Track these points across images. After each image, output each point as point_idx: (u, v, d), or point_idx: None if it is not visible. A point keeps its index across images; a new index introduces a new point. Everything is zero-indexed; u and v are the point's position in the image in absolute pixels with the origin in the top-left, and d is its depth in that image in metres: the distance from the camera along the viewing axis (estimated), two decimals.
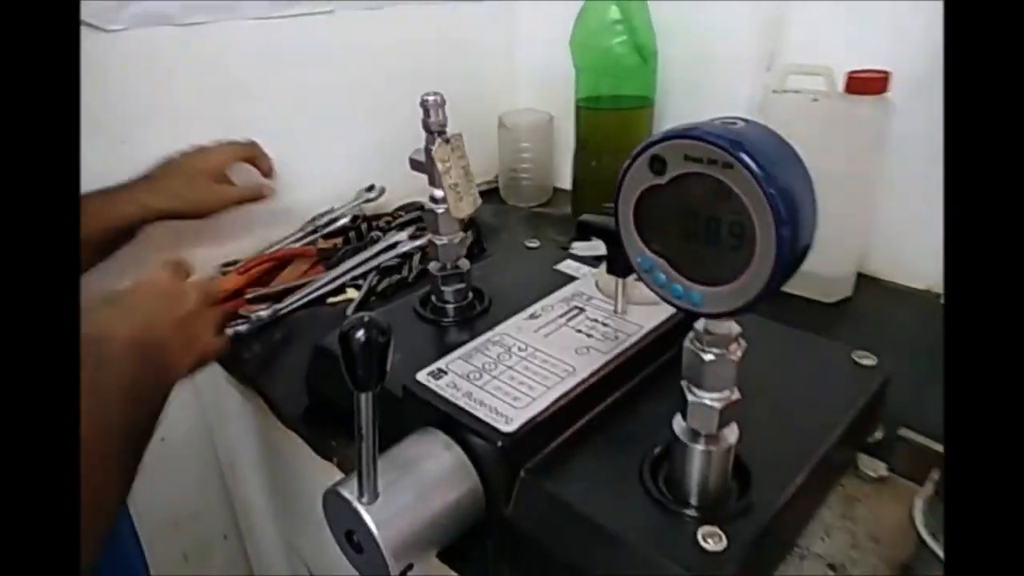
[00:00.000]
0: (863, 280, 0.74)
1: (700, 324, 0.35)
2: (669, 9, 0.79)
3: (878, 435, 0.50)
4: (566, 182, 1.01)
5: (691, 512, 0.38)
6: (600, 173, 0.85)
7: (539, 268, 0.65)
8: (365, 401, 0.36)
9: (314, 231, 0.83)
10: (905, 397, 0.50)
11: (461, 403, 0.43)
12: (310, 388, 0.58)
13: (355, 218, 0.84)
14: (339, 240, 0.81)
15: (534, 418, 0.42)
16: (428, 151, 0.54)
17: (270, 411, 0.61)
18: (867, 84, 0.63)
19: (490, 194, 1.03)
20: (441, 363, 0.48)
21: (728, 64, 0.80)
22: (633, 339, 0.49)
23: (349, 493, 0.38)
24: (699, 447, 0.37)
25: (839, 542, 0.43)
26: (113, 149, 0.66)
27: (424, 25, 0.91)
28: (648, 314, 0.52)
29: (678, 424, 0.38)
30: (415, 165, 0.57)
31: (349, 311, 0.70)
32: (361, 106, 0.88)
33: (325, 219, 0.84)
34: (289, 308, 0.70)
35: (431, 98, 0.53)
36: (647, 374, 0.49)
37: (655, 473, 0.41)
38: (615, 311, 0.53)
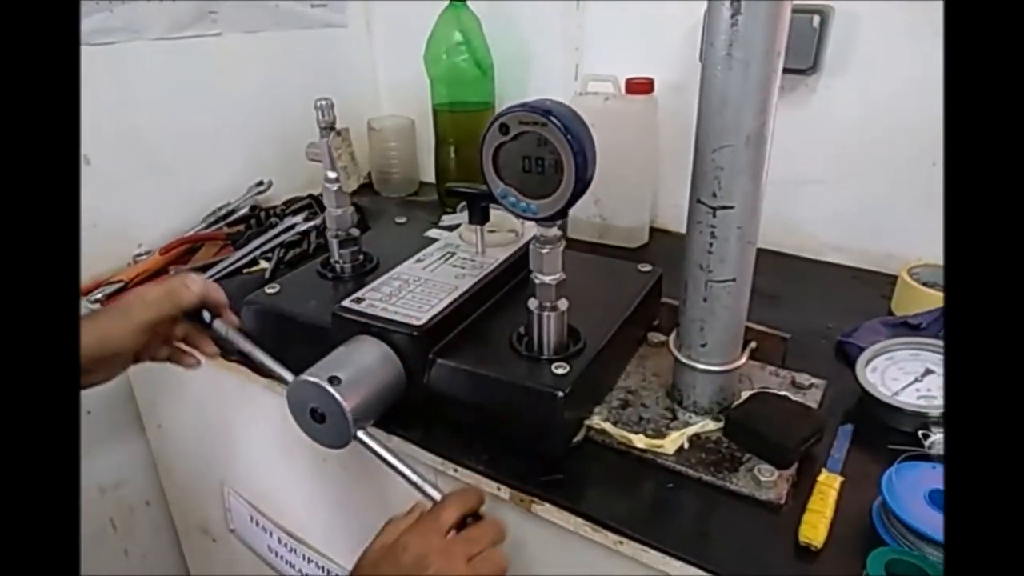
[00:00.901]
0: (656, 232, 1.01)
1: (537, 232, 0.55)
2: (501, 35, 1.01)
3: (657, 321, 0.74)
4: (429, 175, 1.21)
5: (546, 358, 0.58)
6: (458, 162, 1.05)
7: (412, 236, 0.84)
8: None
9: (216, 221, 0.96)
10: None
11: (381, 314, 0.61)
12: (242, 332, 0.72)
13: (253, 207, 0.98)
14: (241, 227, 0.94)
15: (436, 315, 0.60)
16: (322, 143, 0.71)
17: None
18: (640, 87, 0.89)
19: (365, 188, 1.20)
20: (357, 295, 0.65)
21: (546, 75, 1.04)
22: (493, 266, 0.70)
23: (316, 378, 0.54)
24: (546, 313, 0.58)
25: (634, 379, 0.66)
26: None
27: (299, 46, 1.07)
28: (500, 252, 0.73)
29: (532, 302, 0.59)
30: (311, 156, 0.73)
31: (267, 276, 0.84)
32: (247, 113, 1.01)
33: (224, 211, 0.97)
34: (211, 278, 0.83)
35: (323, 102, 0.70)
36: (506, 289, 0.70)
37: (519, 343, 0.61)
38: (477, 252, 0.73)
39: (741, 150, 0.49)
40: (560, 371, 0.56)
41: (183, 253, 0.90)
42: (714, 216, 0.52)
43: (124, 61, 0.84)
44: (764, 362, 0.64)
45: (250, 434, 0.83)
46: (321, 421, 0.55)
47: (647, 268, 0.74)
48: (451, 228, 0.85)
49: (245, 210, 0.98)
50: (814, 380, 0.64)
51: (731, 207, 0.51)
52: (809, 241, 0.93)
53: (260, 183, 1.02)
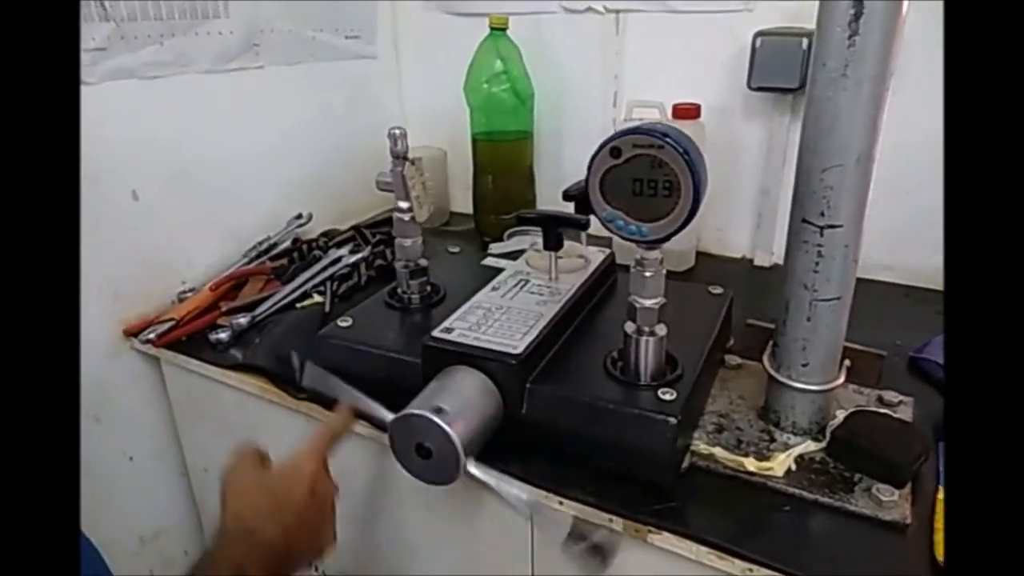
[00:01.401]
0: (700, 256, 1.01)
1: (638, 255, 0.55)
2: (540, 64, 1.02)
3: (731, 342, 0.74)
4: (460, 206, 1.21)
5: (645, 384, 0.58)
6: (495, 191, 1.05)
7: (469, 266, 0.84)
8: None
9: (257, 256, 0.94)
10: (739, 312, 0.75)
11: (475, 343, 0.60)
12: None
13: (294, 240, 0.96)
14: (283, 261, 0.92)
15: (531, 343, 0.59)
16: (395, 172, 0.70)
17: (264, 395, 0.72)
18: (687, 112, 0.90)
19: None
20: (445, 324, 0.63)
21: (586, 103, 1.05)
22: (572, 292, 0.69)
23: (423, 411, 0.52)
24: (644, 338, 0.57)
25: (721, 403, 0.65)
26: (87, 188, 0.74)
27: (332, 78, 1.06)
28: (573, 278, 0.72)
29: (629, 326, 0.58)
30: (382, 186, 0.72)
31: (327, 309, 0.82)
32: (283, 146, 1.00)
33: (265, 245, 0.95)
34: (265, 314, 0.81)
35: (397, 131, 0.70)
36: (585, 313, 0.69)
37: (615, 367, 0.60)
38: (551, 278, 0.72)
39: (851, 169, 0.50)
40: (668, 397, 0.55)
41: (230, 289, 0.88)
42: (821, 235, 0.52)
43: (173, 94, 0.83)
44: (859, 381, 0.63)
45: None
46: (427, 457, 0.54)
47: (718, 290, 0.74)
48: (506, 255, 0.85)
49: (287, 243, 0.97)
50: (902, 397, 0.64)
51: (839, 226, 0.52)
52: None
53: (299, 216, 1.01)
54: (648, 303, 0.56)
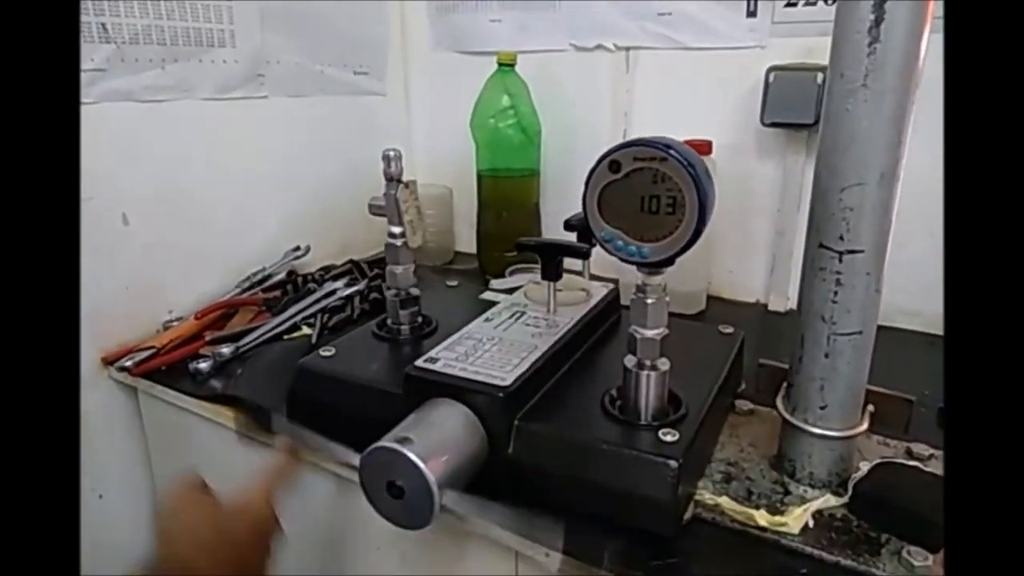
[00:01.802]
0: (712, 300, 0.96)
1: (640, 281, 0.51)
2: (548, 100, 1.00)
3: (743, 387, 0.68)
4: (464, 246, 1.17)
5: (645, 423, 0.52)
6: (500, 228, 1.01)
7: (466, 299, 0.79)
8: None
9: (251, 286, 0.90)
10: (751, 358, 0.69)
11: (461, 374, 0.55)
12: (291, 403, 0.65)
13: (290, 273, 0.93)
14: (277, 292, 0.89)
15: (521, 376, 0.54)
16: (388, 195, 0.67)
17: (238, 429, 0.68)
18: (697, 148, 0.85)
19: None
20: (430, 354, 0.59)
21: (594, 140, 1.02)
22: (570, 325, 0.64)
23: (397, 445, 0.47)
24: (646, 372, 0.52)
25: (731, 450, 0.59)
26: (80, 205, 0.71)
27: (338, 113, 1.05)
28: (573, 311, 0.67)
29: (629, 360, 0.53)
30: (374, 210, 0.69)
31: (313, 340, 0.78)
32: (285, 178, 0.98)
33: (259, 276, 0.92)
34: (250, 345, 0.77)
35: (391, 152, 0.67)
36: (584, 349, 0.64)
37: (612, 406, 0.55)
38: (548, 311, 0.68)
39: (873, 188, 0.46)
40: (669, 438, 0.50)
41: (218, 319, 0.84)
42: (840, 261, 0.48)
43: (172, 120, 0.81)
44: (885, 429, 0.57)
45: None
46: (399, 496, 0.48)
47: (729, 330, 0.69)
48: (506, 291, 0.81)
49: (281, 275, 0.93)
50: (933, 451, 0.58)
51: (860, 251, 0.47)
52: None
53: (297, 248, 0.98)
54: (649, 334, 0.51)
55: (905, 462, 0.54)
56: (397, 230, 0.67)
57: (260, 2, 0.90)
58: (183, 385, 0.74)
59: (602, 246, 0.50)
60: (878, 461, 0.54)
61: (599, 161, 0.47)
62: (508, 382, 0.53)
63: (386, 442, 0.48)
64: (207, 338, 0.78)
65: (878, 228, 0.47)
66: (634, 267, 0.50)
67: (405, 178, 0.67)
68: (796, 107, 0.80)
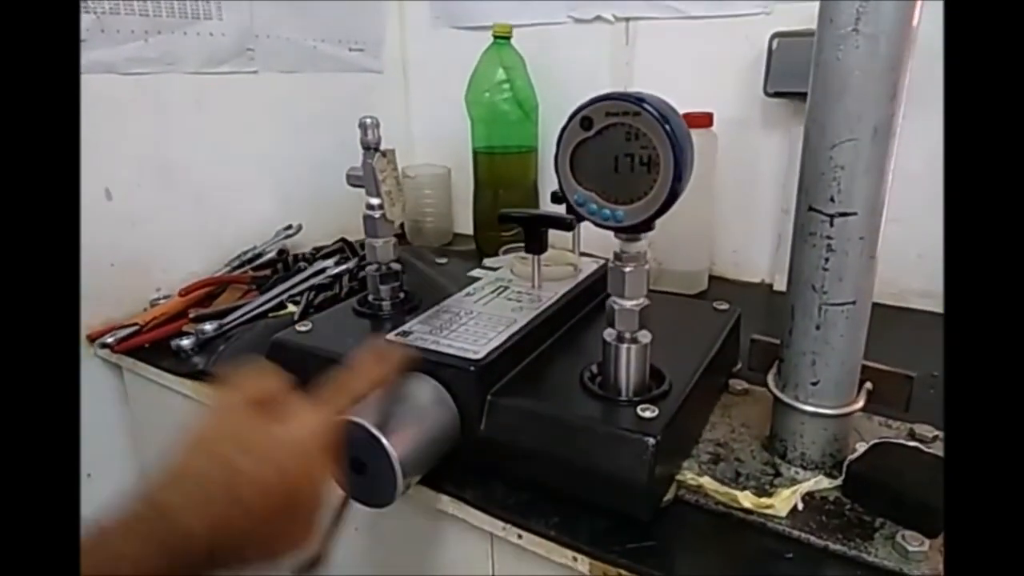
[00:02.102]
0: (714, 280, 0.93)
1: (617, 248, 0.48)
2: (546, 74, 0.97)
3: (738, 366, 0.65)
4: (463, 227, 1.15)
5: (625, 399, 0.49)
6: (496, 207, 0.98)
7: (455, 275, 0.77)
8: None
9: (240, 265, 0.89)
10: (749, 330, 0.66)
11: (433, 347, 0.52)
12: None
13: (281, 251, 0.92)
14: (268, 271, 0.87)
15: (495, 349, 0.52)
16: (366, 164, 0.65)
17: None
18: (698, 120, 0.83)
19: (397, 237, 1.14)
20: (403, 328, 0.57)
21: None
22: (553, 300, 0.62)
23: (360, 419, 0.45)
24: (625, 345, 0.49)
25: (722, 431, 0.56)
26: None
27: (334, 90, 1.03)
28: (558, 286, 0.65)
29: (608, 333, 0.50)
30: (352, 180, 0.67)
31: (296, 318, 0.76)
32: (279, 155, 0.97)
33: (250, 254, 0.90)
34: (234, 323, 0.75)
35: (368, 120, 0.64)
36: (567, 328, 0.62)
37: (592, 382, 0.52)
38: (533, 286, 0.65)
39: (867, 144, 0.42)
40: (648, 414, 0.47)
41: (205, 297, 0.83)
42: (831, 225, 0.44)
43: (156, 93, 0.80)
44: (883, 405, 0.54)
45: None
46: (361, 472, 0.46)
47: (724, 306, 0.66)
48: (497, 269, 0.78)
49: (272, 254, 0.92)
50: (938, 432, 0.54)
51: (853, 213, 0.44)
52: (888, 287, 0.84)
53: (289, 227, 0.96)
54: (628, 304, 0.48)
55: (905, 442, 0.50)
56: (375, 201, 0.65)
57: None
58: (166, 363, 0.73)
59: (576, 210, 0.47)
60: (875, 441, 0.50)
61: (570, 118, 0.45)
62: (481, 355, 0.51)
63: (352, 416, 0.45)
64: (191, 316, 0.77)
65: (872, 189, 0.43)
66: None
67: (402, 162, 0.64)
68: (801, 75, 0.75)
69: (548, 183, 1.02)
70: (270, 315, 0.79)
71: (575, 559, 0.45)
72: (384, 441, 0.44)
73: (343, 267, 0.85)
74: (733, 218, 0.91)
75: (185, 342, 0.73)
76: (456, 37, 1.10)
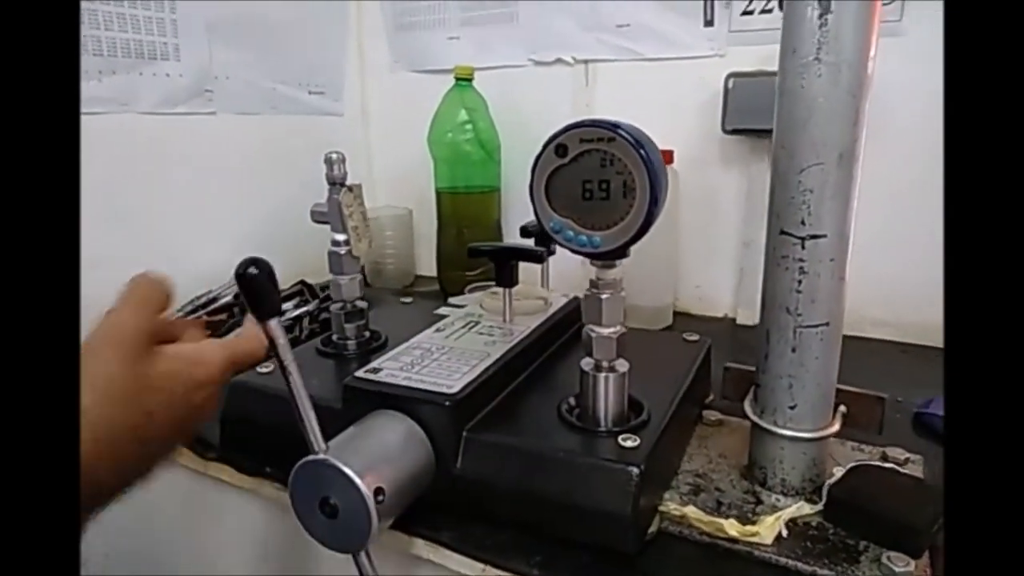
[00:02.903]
0: (678, 315, 0.94)
1: (593, 275, 0.47)
2: (508, 116, 0.99)
3: (711, 398, 0.65)
4: (425, 269, 1.14)
5: (604, 430, 0.48)
6: (460, 246, 0.98)
7: (420, 315, 0.75)
8: (277, 327, 0.40)
9: (195, 310, 0.85)
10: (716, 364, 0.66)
11: (405, 383, 0.51)
12: (225, 423, 0.60)
13: (237, 295, 0.88)
14: (224, 315, 0.84)
15: (471, 383, 0.50)
16: (331, 199, 0.63)
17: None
18: None
19: None
20: (372, 364, 0.55)
21: None
22: (526, 333, 0.61)
23: (337, 460, 0.42)
24: (603, 374, 0.49)
25: (699, 461, 0.55)
26: None
27: (293, 133, 1.02)
28: (530, 320, 0.64)
29: (586, 363, 0.49)
30: (316, 217, 0.65)
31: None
32: (236, 199, 0.95)
33: (204, 299, 0.87)
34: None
35: (334, 155, 0.64)
36: (541, 360, 0.61)
37: (570, 414, 0.51)
38: (504, 319, 0.64)
39: (833, 168, 0.43)
40: (629, 443, 0.46)
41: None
42: (803, 247, 0.45)
43: (110, 133, 0.78)
44: (857, 429, 0.54)
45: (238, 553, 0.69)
46: (333, 516, 0.43)
47: (694, 337, 0.66)
48: (464, 307, 0.77)
49: (228, 298, 0.89)
50: (909, 455, 0.55)
51: (822, 236, 0.44)
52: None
53: None
54: (606, 332, 0.48)
55: (882, 464, 0.51)
56: (341, 237, 0.63)
57: (206, 16, 0.87)
58: None
59: (552, 237, 0.46)
60: (853, 464, 0.50)
61: (545, 146, 0.45)
62: (455, 390, 0.49)
63: (327, 456, 0.43)
64: None
65: (840, 212, 0.44)
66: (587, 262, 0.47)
67: (366, 202, 0.63)
68: (757, 112, 0.79)
69: (511, 222, 1.02)
70: None
71: None
72: (357, 481, 0.42)
73: (303, 309, 0.83)
74: (695, 253, 0.93)
75: None
76: (415, 80, 1.11)
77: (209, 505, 0.66)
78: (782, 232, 0.46)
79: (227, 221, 0.94)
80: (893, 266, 0.81)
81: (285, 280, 0.97)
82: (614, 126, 0.42)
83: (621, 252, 0.45)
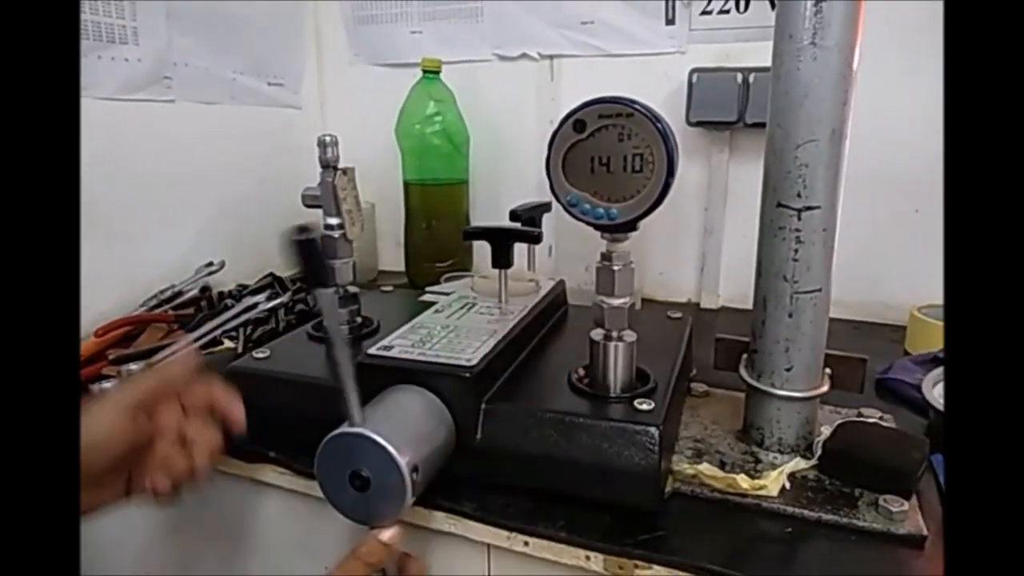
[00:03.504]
0: (644, 302, 0.97)
1: (604, 248, 0.50)
2: (473, 108, 1.00)
3: (694, 371, 0.68)
4: (388, 264, 1.14)
5: (615, 396, 0.51)
6: (429, 238, 0.99)
7: (405, 302, 0.76)
8: (326, 296, 0.40)
9: (158, 304, 0.82)
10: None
11: (421, 358, 0.51)
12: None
13: (204, 289, 0.86)
14: (191, 309, 0.81)
15: (487, 355, 0.51)
16: (325, 183, 0.63)
17: None
18: None
19: None
20: (383, 342, 0.55)
21: (520, 148, 1.02)
22: (524, 312, 0.62)
23: (356, 428, 0.43)
24: (613, 343, 0.51)
25: (695, 429, 0.58)
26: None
27: (253, 124, 1.00)
28: (524, 300, 0.65)
29: (596, 333, 0.51)
30: (308, 201, 0.65)
31: (239, 351, 0.71)
32: (196, 189, 0.91)
33: (168, 293, 0.84)
34: (164, 362, 0.69)
35: (328, 138, 0.63)
36: (539, 337, 0.62)
37: (580, 382, 0.53)
38: (500, 301, 0.65)
39: (825, 144, 0.47)
40: (645, 407, 0.48)
41: (121, 337, 0.75)
42: (799, 219, 0.49)
43: None
44: (843, 389, 0.58)
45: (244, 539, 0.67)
46: (363, 488, 0.43)
47: (677, 315, 0.69)
48: (446, 293, 0.77)
49: (194, 292, 0.86)
50: (882, 414, 0.60)
51: (817, 207, 0.48)
52: None
53: (210, 263, 0.90)
54: (617, 303, 0.50)
55: (866, 420, 0.55)
56: (335, 221, 0.63)
57: (166, 0, 0.84)
58: None
59: (567, 211, 0.48)
60: (840, 421, 0.54)
61: (563, 122, 0.46)
62: (474, 362, 0.50)
63: (348, 428, 0.43)
64: (111, 357, 0.70)
65: (831, 184, 0.48)
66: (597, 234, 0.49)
67: None
68: (719, 105, 0.83)
69: (479, 215, 1.03)
70: (205, 352, 0.73)
71: (588, 558, 0.45)
72: (392, 451, 0.42)
73: (277, 301, 0.81)
74: (659, 242, 0.97)
75: (108, 385, 0.66)
76: (377, 74, 1.10)
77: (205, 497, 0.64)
78: (779, 205, 0.49)
79: (187, 214, 0.91)
80: (844, 253, 0.87)
81: (247, 275, 0.95)
82: (632, 102, 0.45)
83: (634, 224, 0.47)
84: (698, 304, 0.97)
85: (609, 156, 0.46)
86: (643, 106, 0.45)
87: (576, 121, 0.46)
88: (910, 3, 0.78)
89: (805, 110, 0.47)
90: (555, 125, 0.97)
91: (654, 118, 0.44)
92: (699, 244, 0.95)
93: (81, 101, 0.74)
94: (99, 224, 0.79)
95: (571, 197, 0.47)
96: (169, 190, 0.88)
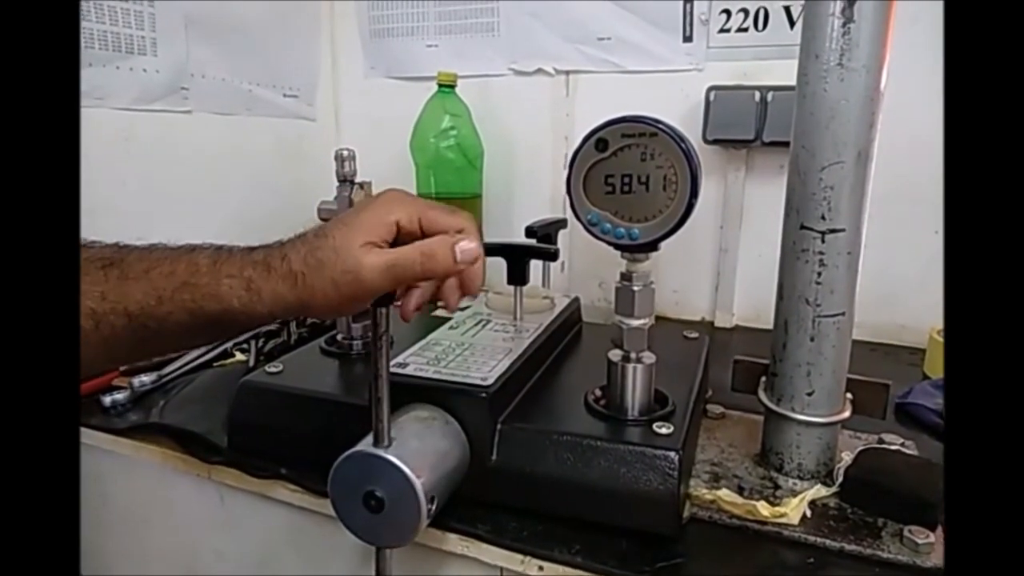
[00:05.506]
0: (658, 320, 0.96)
1: (624, 268, 0.49)
2: (489, 123, 1.00)
3: (710, 392, 0.67)
4: None
5: (633, 419, 0.50)
6: None
7: (420, 315, 0.74)
8: (383, 316, 0.41)
9: None
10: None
11: (436, 376, 0.50)
12: (233, 426, 0.58)
13: None
14: None
15: (503, 375, 0.51)
16: (342, 196, 0.63)
17: (167, 463, 0.59)
18: None
19: None
20: (398, 359, 0.54)
21: (536, 163, 1.02)
22: (540, 330, 0.61)
23: (371, 448, 0.42)
24: (632, 365, 0.50)
25: (712, 452, 0.57)
26: None
27: (267, 135, 1.00)
28: (539, 318, 0.65)
29: (614, 354, 0.51)
30: (324, 214, 0.64)
31: (251, 364, 0.70)
32: (209, 198, 0.91)
33: None
34: (175, 373, 0.68)
35: (345, 152, 0.63)
36: (554, 356, 0.62)
37: (597, 404, 0.52)
38: (515, 318, 0.64)
39: (851, 167, 0.46)
40: (664, 431, 0.47)
41: None
42: (823, 241, 0.48)
43: (83, 128, 0.73)
44: (862, 414, 0.57)
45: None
46: (377, 510, 0.42)
47: (694, 335, 0.68)
48: (459, 308, 0.77)
49: None
50: (903, 439, 0.59)
51: (841, 230, 0.47)
52: None
53: None
54: (636, 323, 0.49)
55: (888, 447, 0.54)
56: None
57: (185, 11, 0.84)
58: (95, 420, 0.65)
59: (588, 230, 0.48)
60: (862, 447, 0.53)
61: (584, 140, 0.46)
62: (490, 382, 0.49)
63: (363, 447, 0.42)
64: (121, 369, 0.69)
65: (856, 207, 0.47)
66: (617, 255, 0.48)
67: None
68: (737, 124, 0.83)
69: (492, 231, 1.03)
70: (214, 364, 0.73)
71: None
72: (408, 472, 0.41)
73: None
74: (674, 260, 0.96)
75: (119, 396, 0.65)
76: (393, 87, 1.10)
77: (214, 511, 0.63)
78: (802, 227, 0.49)
79: (200, 223, 0.91)
80: (861, 273, 0.86)
81: None
82: (656, 122, 0.44)
83: (656, 244, 0.47)
84: (712, 323, 0.96)
85: (631, 176, 0.45)
86: (667, 126, 0.44)
87: (598, 140, 0.45)
88: (935, 23, 0.78)
89: (831, 131, 0.46)
90: (570, 141, 0.98)
91: (678, 138, 0.44)
92: (714, 262, 0.94)
93: (98, 111, 0.75)
94: (112, 232, 0.79)
95: (592, 216, 0.47)
96: (184, 200, 0.88)
